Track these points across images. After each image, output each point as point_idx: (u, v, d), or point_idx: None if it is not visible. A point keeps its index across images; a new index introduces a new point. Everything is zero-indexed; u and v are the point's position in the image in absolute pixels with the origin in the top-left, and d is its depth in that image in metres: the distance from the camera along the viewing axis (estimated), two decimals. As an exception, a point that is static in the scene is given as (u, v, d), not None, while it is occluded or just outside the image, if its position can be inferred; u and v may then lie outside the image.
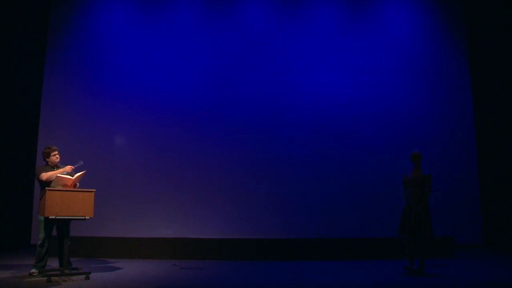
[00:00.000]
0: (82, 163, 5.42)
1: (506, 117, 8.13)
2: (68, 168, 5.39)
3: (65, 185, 5.19)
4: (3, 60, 7.66)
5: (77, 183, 5.38)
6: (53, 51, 8.34)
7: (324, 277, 5.43)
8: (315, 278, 5.37)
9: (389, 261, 6.67)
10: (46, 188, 5.02)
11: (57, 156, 5.48)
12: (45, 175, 5.26)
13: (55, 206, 4.92)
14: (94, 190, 5.26)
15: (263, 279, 5.30)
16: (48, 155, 5.45)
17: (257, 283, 5.06)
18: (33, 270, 5.26)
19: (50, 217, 4.91)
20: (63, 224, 5.32)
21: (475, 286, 4.82)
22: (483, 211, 8.35)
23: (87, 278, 5.09)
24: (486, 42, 8.60)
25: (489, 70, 8.52)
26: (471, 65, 8.68)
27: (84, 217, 5.09)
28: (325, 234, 7.85)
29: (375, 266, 6.24)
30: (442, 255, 6.91)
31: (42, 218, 5.21)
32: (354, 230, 7.90)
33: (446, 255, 6.94)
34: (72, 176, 5.28)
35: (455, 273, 5.63)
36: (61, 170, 5.36)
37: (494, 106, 8.40)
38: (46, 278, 4.92)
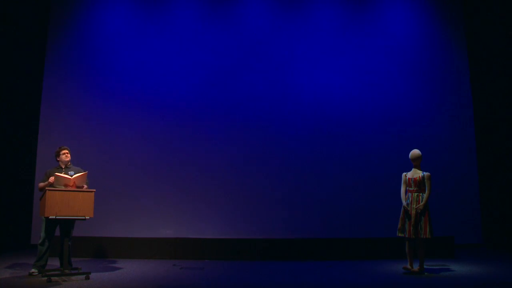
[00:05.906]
0: None
1: (506, 117, 8.13)
2: (52, 179, 5.32)
3: (66, 185, 5.19)
4: (3, 60, 7.67)
5: (85, 185, 5.40)
6: (53, 51, 8.32)
7: (323, 277, 5.44)
8: (315, 278, 5.37)
9: (389, 261, 6.67)
10: (47, 188, 5.04)
11: (67, 155, 5.58)
12: (40, 185, 5.42)
13: (55, 206, 4.93)
14: (94, 190, 5.28)
15: (263, 279, 5.30)
16: (58, 154, 5.59)
17: (257, 283, 5.06)
18: (33, 270, 5.28)
19: (50, 217, 4.92)
20: (65, 225, 5.34)
21: (475, 286, 4.82)
22: (483, 211, 8.34)
23: (87, 278, 5.09)
24: (486, 42, 8.60)
25: (489, 70, 8.52)
26: (471, 65, 8.67)
27: (84, 217, 5.11)
28: (324, 234, 7.84)
29: (375, 266, 6.24)
30: (442, 255, 6.91)
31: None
32: (354, 230, 7.90)
33: (446, 255, 6.94)
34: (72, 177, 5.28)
35: (455, 273, 5.63)
36: (45, 183, 5.35)
37: (494, 106, 8.40)
38: (46, 278, 4.92)
